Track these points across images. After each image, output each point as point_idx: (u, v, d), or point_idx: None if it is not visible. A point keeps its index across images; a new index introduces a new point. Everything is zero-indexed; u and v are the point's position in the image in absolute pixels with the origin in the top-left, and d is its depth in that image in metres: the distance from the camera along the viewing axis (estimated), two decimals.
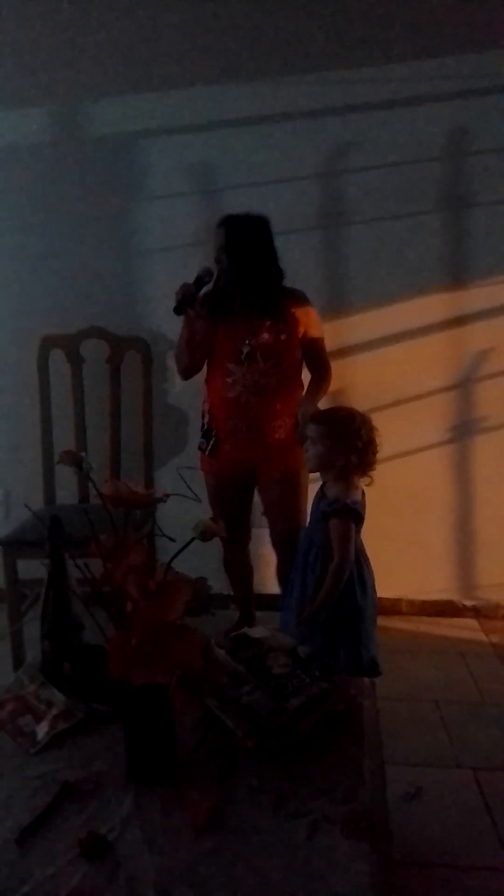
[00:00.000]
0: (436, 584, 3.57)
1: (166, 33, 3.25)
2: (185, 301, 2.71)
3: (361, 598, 2.46)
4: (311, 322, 2.91)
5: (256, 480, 3.02)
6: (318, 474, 2.62)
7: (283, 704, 1.65)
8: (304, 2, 3.18)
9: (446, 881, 1.99)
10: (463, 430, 3.43)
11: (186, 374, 2.99)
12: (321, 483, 2.58)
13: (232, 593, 3.34)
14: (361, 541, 2.51)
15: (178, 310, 2.73)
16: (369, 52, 3.19)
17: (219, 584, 3.36)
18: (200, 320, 2.82)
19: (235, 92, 3.27)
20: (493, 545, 3.50)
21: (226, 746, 1.62)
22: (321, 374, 2.92)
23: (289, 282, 2.88)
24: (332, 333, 3.03)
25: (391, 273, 3.33)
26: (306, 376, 2.95)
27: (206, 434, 2.99)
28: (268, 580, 3.35)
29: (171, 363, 3.36)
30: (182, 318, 2.79)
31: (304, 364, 2.95)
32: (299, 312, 2.86)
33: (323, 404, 2.77)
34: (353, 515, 2.42)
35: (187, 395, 3.44)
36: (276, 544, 3.05)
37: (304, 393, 2.87)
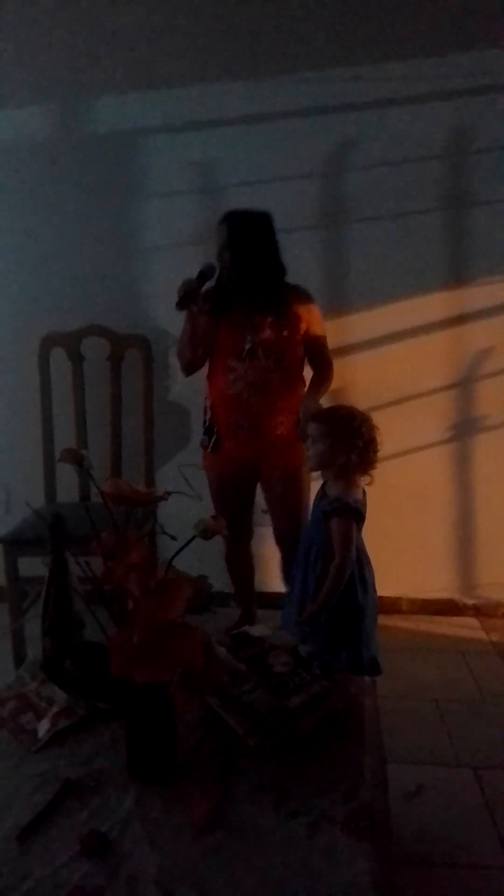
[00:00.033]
0: (436, 582, 3.57)
1: (166, 31, 3.24)
2: (188, 297, 2.72)
3: (362, 596, 2.46)
4: (314, 319, 2.91)
5: (259, 477, 3.02)
6: (318, 473, 2.61)
7: (284, 703, 1.66)
8: (305, 0, 3.18)
9: (446, 880, 1.99)
10: (463, 429, 3.43)
11: (189, 370, 2.99)
12: (322, 482, 2.58)
13: (233, 591, 3.34)
14: (362, 539, 2.50)
15: (180, 305, 2.73)
16: (370, 51, 3.18)
17: (220, 582, 3.37)
18: (203, 316, 2.82)
19: (236, 90, 3.27)
20: (493, 544, 3.50)
21: (227, 745, 1.62)
22: (323, 372, 2.92)
23: (289, 280, 2.88)
24: (332, 332, 3.03)
25: (391, 272, 3.33)
26: (308, 374, 2.95)
27: (207, 431, 2.99)
28: (269, 578, 3.36)
29: (173, 360, 3.37)
30: (184, 314, 2.80)
31: (306, 361, 2.95)
32: (301, 309, 2.86)
33: (324, 402, 2.77)
34: (355, 514, 2.42)
35: (188, 392, 3.44)
36: (280, 541, 3.05)
37: (305, 390, 2.86)
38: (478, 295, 3.32)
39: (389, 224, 3.30)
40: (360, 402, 2.79)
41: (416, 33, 3.15)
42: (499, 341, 3.34)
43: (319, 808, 1.43)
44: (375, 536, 2.59)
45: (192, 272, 2.73)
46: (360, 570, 2.47)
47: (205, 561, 2.18)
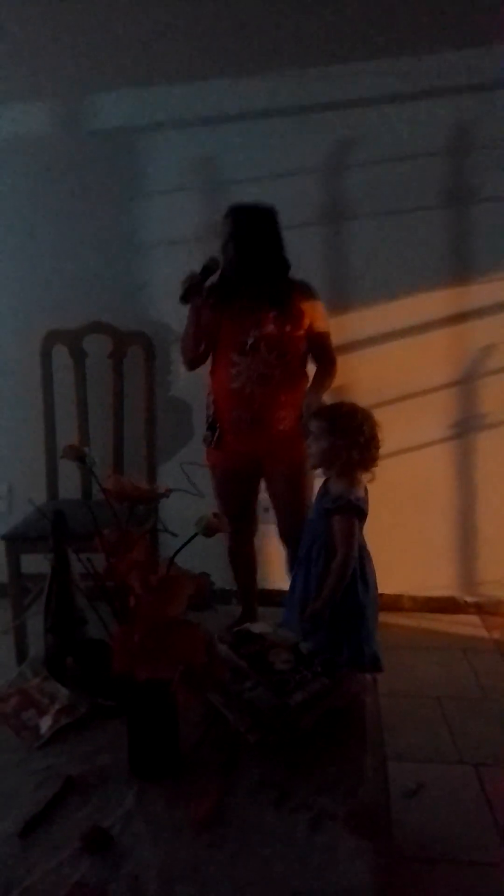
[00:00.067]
0: (438, 580, 3.57)
1: (168, 28, 3.24)
2: (191, 290, 2.72)
3: (363, 594, 2.46)
4: (317, 315, 2.91)
5: (262, 472, 3.02)
6: (320, 469, 2.61)
7: (286, 700, 1.66)
8: None
9: (447, 877, 1.99)
10: (465, 427, 3.43)
11: (192, 364, 2.99)
12: (324, 478, 2.58)
13: (235, 588, 3.34)
14: (363, 536, 2.50)
15: (183, 299, 2.73)
16: (370, 47, 3.17)
17: (221, 579, 3.37)
18: (206, 310, 2.82)
19: (237, 87, 3.27)
20: (495, 541, 3.50)
21: (228, 742, 1.62)
22: (326, 368, 2.92)
23: (292, 276, 2.88)
24: (334, 329, 3.03)
25: (393, 269, 3.33)
26: (312, 370, 2.95)
27: (210, 426, 2.99)
28: (271, 575, 3.36)
29: (175, 357, 3.37)
30: (188, 308, 2.80)
31: (309, 357, 2.95)
32: (305, 304, 2.86)
33: (326, 399, 2.77)
34: (357, 512, 2.42)
35: (190, 389, 3.44)
36: (284, 537, 3.04)
37: (308, 386, 2.86)
38: (479, 292, 3.31)
39: (391, 221, 3.29)
40: (361, 399, 2.78)
41: (418, 30, 3.14)
42: (500, 339, 3.34)
43: (320, 805, 1.43)
44: (377, 534, 2.59)
45: (194, 269, 2.73)
46: (361, 567, 2.47)
47: (207, 558, 2.17)
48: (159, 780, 1.50)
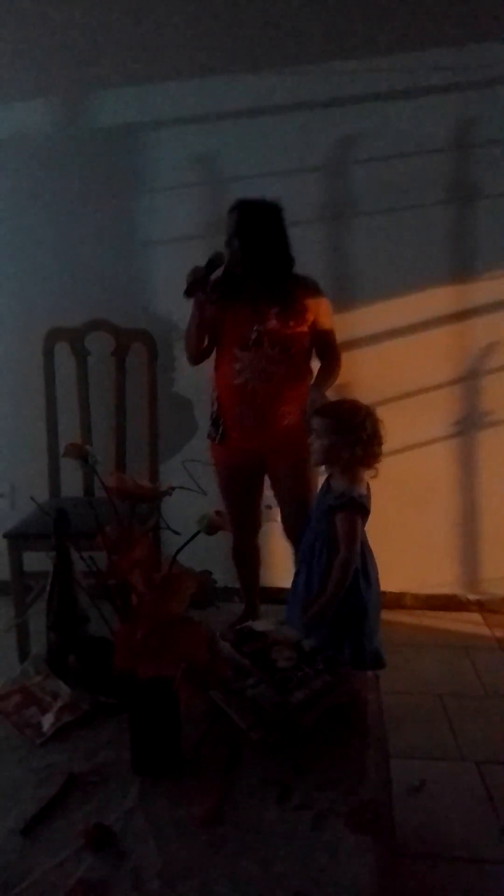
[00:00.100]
0: (440, 578, 3.57)
1: (169, 24, 3.23)
2: (196, 284, 2.72)
3: (366, 591, 2.47)
4: (322, 311, 2.90)
5: (266, 468, 3.02)
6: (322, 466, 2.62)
7: (288, 697, 1.66)
8: None
9: (450, 873, 2.00)
10: (468, 424, 3.43)
11: (195, 359, 2.99)
12: (326, 475, 2.58)
13: (237, 585, 3.34)
14: (365, 534, 2.51)
15: (188, 292, 2.73)
16: (374, 44, 3.17)
17: (224, 577, 3.38)
18: (210, 304, 2.82)
19: (239, 83, 3.26)
20: (497, 539, 3.50)
21: (230, 739, 1.62)
22: (330, 364, 2.92)
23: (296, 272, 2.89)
24: (337, 327, 3.03)
25: (395, 266, 3.32)
26: (316, 366, 2.95)
27: (214, 423, 2.99)
28: (273, 573, 3.36)
29: (177, 355, 3.38)
30: (191, 303, 2.81)
31: (313, 353, 2.95)
32: (309, 300, 2.86)
33: (329, 396, 2.76)
34: (360, 509, 2.42)
35: (192, 387, 3.45)
36: (289, 533, 3.04)
37: (312, 381, 2.86)
38: (483, 289, 3.31)
39: (393, 218, 3.29)
40: (363, 396, 2.78)
41: (420, 26, 3.14)
42: (503, 336, 3.34)
43: (323, 802, 1.43)
44: (379, 531, 2.60)
45: (199, 263, 2.73)
46: (363, 564, 2.47)
47: (209, 556, 2.17)
48: (161, 778, 1.51)
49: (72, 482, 3.34)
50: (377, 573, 2.54)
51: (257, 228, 2.79)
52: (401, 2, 3.13)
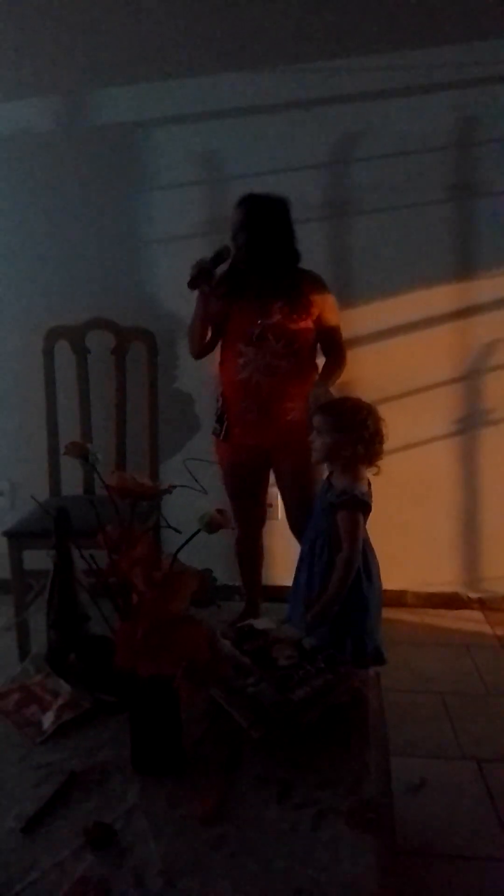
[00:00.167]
0: (441, 576, 3.56)
1: (171, 22, 3.23)
2: (200, 276, 2.72)
3: (367, 588, 2.47)
4: (327, 306, 2.90)
5: (270, 464, 3.02)
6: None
7: (288, 696, 1.66)
8: None
9: (450, 872, 1.99)
10: (469, 422, 3.42)
11: (199, 353, 2.99)
12: (328, 473, 2.58)
13: (238, 583, 3.34)
14: (367, 531, 2.51)
15: (192, 284, 2.73)
16: (375, 41, 3.17)
17: (224, 575, 3.38)
18: (215, 298, 2.82)
19: (241, 81, 3.26)
20: (498, 537, 3.50)
21: (231, 737, 1.62)
22: (335, 360, 2.92)
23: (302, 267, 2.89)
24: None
25: (397, 264, 3.32)
26: (322, 362, 2.95)
27: (219, 419, 2.99)
28: (274, 571, 3.36)
29: (180, 352, 3.37)
30: (196, 295, 2.81)
31: (318, 349, 2.95)
32: (314, 295, 2.85)
33: (333, 392, 2.76)
34: (361, 507, 2.42)
35: (193, 385, 3.45)
36: (294, 529, 3.03)
37: (316, 376, 2.86)
38: (484, 288, 3.30)
39: (394, 216, 3.28)
40: (365, 394, 2.78)
41: (422, 23, 3.13)
42: None
43: (323, 800, 1.43)
44: (380, 529, 2.60)
45: (205, 255, 2.74)
46: (365, 561, 2.47)
47: (209, 554, 2.18)
48: (162, 776, 1.51)
49: (72, 481, 3.34)
50: (379, 570, 2.54)
51: (264, 223, 2.79)
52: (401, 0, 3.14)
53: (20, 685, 1.85)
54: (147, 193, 3.38)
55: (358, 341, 3.29)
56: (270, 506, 3.24)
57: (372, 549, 2.53)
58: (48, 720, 1.70)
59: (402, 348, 3.35)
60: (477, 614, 3.52)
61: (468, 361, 3.37)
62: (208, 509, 1.57)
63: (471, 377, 3.38)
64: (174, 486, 1.79)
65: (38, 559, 2.53)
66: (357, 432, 2.40)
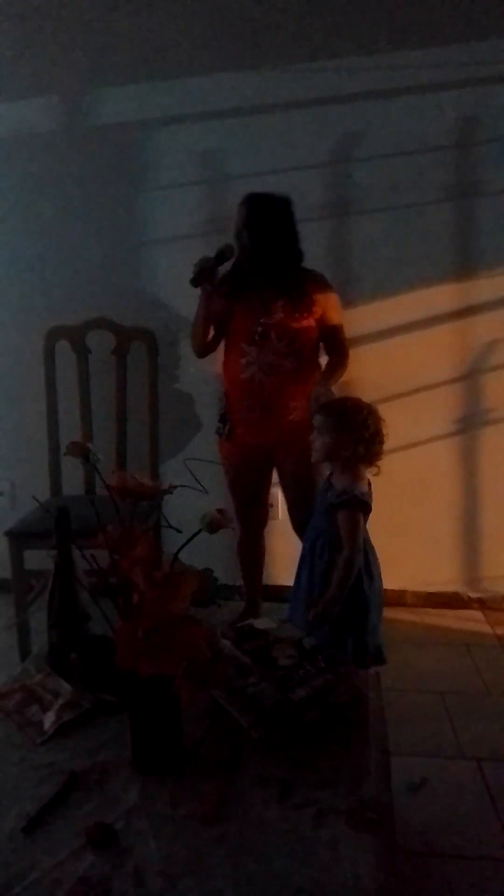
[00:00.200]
0: (441, 575, 3.56)
1: (172, 22, 3.23)
2: (203, 274, 2.72)
3: (368, 587, 2.47)
4: (330, 305, 2.90)
5: (273, 463, 3.02)
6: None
7: (289, 695, 1.66)
8: None
9: (450, 871, 2.00)
10: (469, 422, 3.42)
11: (202, 352, 2.99)
12: (328, 473, 2.58)
13: (238, 583, 3.34)
14: (367, 531, 2.51)
15: (195, 282, 2.73)
16: (375, 41, 3.17)
17: (225, 575, 3.38)
18: (218, 297, 2.82)
19: (241, 81, 3.26)
20: (498, 537, 3.50)
21: (231, 737, 1.62)
22: (338, 359, 2.92)
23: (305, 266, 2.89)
24: None
25: (398, 264, 3.32)
26: (324, 362, 2.95)
27: (222, 418, 2.99)
28: (274, 571, 3.36)
29: (181, 352, 3.37)
30: (198, 297, 2.81)
31: (322, 349, 2.95)
32: (317, 294, 2.85)
33: (334, 392, 2.76)
34: (362, 506, 2.42)
35: (194, 385, 3.45)
36: (297, 528, 3.02)
37: (318, 375, 2.86)
38: (484, 287, 3.30)
39: (394, 216, 3.29)
40: (365, 394, 2.78)
41: (422, 23, 3.13)
42: None
43: (324, 800, 1.43)
44: (381, 529, 2.60)
45: (208, 254, 2.74)
46: (366, 560, 2.48)
47: (210, 554, 2.18)
48: (162, 776, 1.51)
49: (73, 480, 3.34)
50: (379, 570, 2.55)
51: (267, 222, 2.79)
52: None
53: (21, 685, 1.85)
54: (148, 193, 3.38)
55: (358, 341, 3.29)
56: (271, 505, 3.24)
57: (373, 549, 2.54)
58: (49, 720, 1.70)
59: (402, 348, 3.35)
60: (477, 614, 3.52)
61: (468, 361, 3.37)
62: (209, 509, 1.58)
63: (471, 377, 3.38)
64: (175, 486, 1.79)
65: (39, 559, 2.53)
66: (357, 432, 2.40)
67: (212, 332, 2.93)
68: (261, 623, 2.04)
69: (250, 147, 3.29)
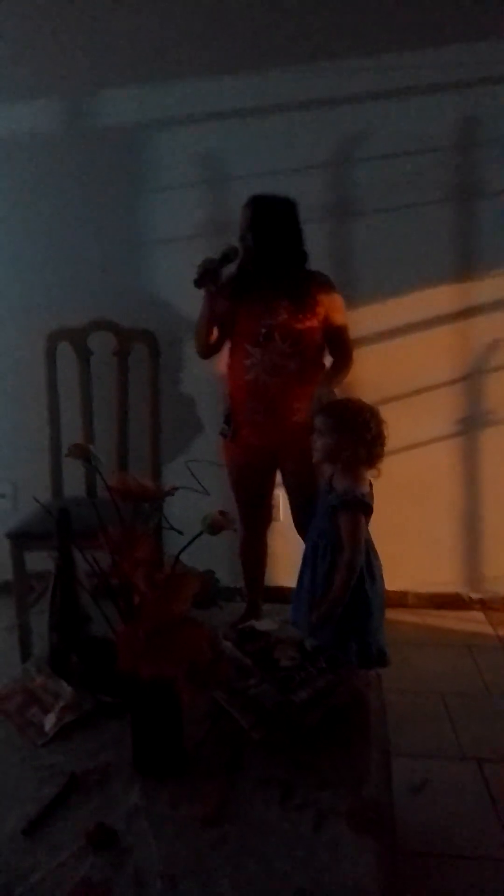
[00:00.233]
0: (442, 576, 3.56)
1: (172, 23, 3.24)
2: (206, 275, 2.72)
3: (370, 588, 2.47)
4: (334, 306, 2.90)
5: (278, 465, 3.02)
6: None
7: (290, 697, 1.66)
8: None
9: (451, 872, 2.00)
10: (470, 423, 3.42)
11: (205, 353, 2.99)
12: (329, 475, 2.58)
13: (239, 585, 3.34)
14: (368, 532, 2.51)
15: (198, 283, 2.73)
16: (376, 42, 3.17)
17: (226, 577, 3.37)
18: (222, 298, 2.83)
19: (242, 82, 3.26)
20: (499, 538, 3.50)
21: (232, 739, 1.62)
22: (342, 360, 2.93)
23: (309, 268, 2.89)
24: None
25: (399, 265, 3.32)
26: (329, 363, 2.96)
27: (227, 420, 2.99)
28: (276, 572, 3.36)
29: (183, 353, 3.37)
30: (202, 298, 2.81)
31: (326, 350, 2.95)
32: (321, 295, 2.86)
33: (337, 393, 2.76)
34: (363, 508, 2.42)
35: (196, 386, 3.45)
36: (300, 530, 3.01)
37: (322, 376, 2.86)
38: (485, 288, 3.30)
39: (395, 217, 3.29)
40: (366, 395, 2.79)
41: (423, 24, 3.14)
42: None
43: (325, 801, 1.43)
44: (382, 530, 2.59)
45: (212, 255, 2.74)
46: (368, 562, 2.47)
47: (211, 556, 2.18)
48: (163, 778, 1.51)
49: (74, 482, 3.33)
50: (381, 571, 2.55)
51: (271, 224, 2.80)
52: (403, 1, 3.13)
53: (22, 687, 1.85)
54: (149, 195, 3.39)
55: (359, 342, 3.28)
56: (273, 506, 3.24)
57: (375, 551, 2.54)
58: (50, 722, 1.70)
59: (403, 349, 3.35)
60: (478, 615, 3.52)
61: (469, 362, 3.37)
62: (210, 511, 1.58)
63: (472, 378, 3.38)
64: (176, 488, 1.79)
65: (40, 560, 2.53)
66: (358, 434, 2.40)
67: (216, 334, 2.93)
68: (262, 624, 2.05)
69: (251, 148, 3.29)
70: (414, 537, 3.48)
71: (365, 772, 1.54)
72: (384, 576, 2.55)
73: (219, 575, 2.99)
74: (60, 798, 1.45)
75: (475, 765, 2.43)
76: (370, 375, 3.25)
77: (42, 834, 1.37)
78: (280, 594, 3.22)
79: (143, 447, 3.38)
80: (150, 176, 3.37)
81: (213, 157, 3.35)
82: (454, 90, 3.18)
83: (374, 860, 1.29)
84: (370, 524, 2.49)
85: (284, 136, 3.27)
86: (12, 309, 3.55)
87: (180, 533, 1.67)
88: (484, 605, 3.56)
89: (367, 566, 2.47)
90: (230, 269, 2.81)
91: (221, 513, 1.58)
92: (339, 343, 2.95)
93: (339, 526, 2.42)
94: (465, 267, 3.31)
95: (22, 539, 3.00)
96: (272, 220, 2.80)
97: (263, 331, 2.79)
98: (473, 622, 3.46)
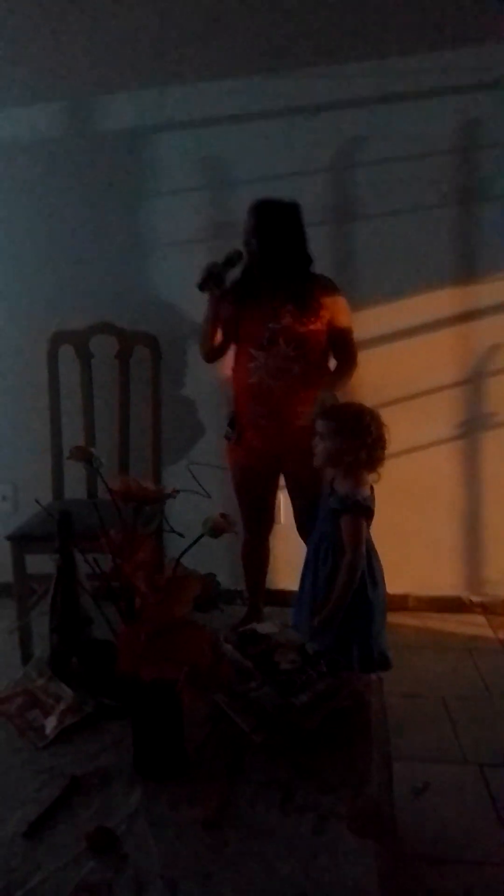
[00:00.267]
0: (443, 579, 3.56)
1: (174, 28, 3.24)
2: (210, 279, 2.72)
3: (372, 592, 2.47)
4: (339, 310, 2.91)
5: (282, 468, 3.02)
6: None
7: (291, 700, 1.66)
8: None
9: (452, 876, 1.99)
10: (472, 426, 3.42)
11: (209, 356, 3.00)
12: (330, 478, 2.58)
13: (242, 587, 3.34)
14: (370, 535, 2.51)
15: (201, 287, 2.73)
16: (377, 46, 3.18)
17: (228, 579, 3.37)
18: (226, 302, 2.83)
19: (244, 86, 3.27)
20: (500, 541, 3.49)
21: (233, 742, 1.62)
22: (346, 363, 2.94)
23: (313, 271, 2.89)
24: None
25: (400, 268, 3.32)
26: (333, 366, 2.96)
27: (231, 423, 3.00)
28: (277, 575, 3.36)
29: (181, 357, 3.37)
30: (206, 299, 2.82)
31: (331, 354, 2.95)
32: (326, 299, 2.86)
33: (341, 396, 2.76)
34: (364, 511, 2.42)
35: (197, 389, 3.45)
36: (303, 533, 3.01)
37: (326, 379, 2.86)
38: (486, 291, 3.30)
39: (397, 220, 3.29)
40: (367, 398, 2.79)
41: (424, 27, 3.14)
42: None
43: (325, 805, 1.43)
44: (383, 533, 2.59)
45: (216, 259, 2.74)
46: (369, 565, 2.48)
47: (213, 559, 2.18)
48: (164, 781, 1.51)
49: (75, 484, 3.33)
50: (383, 574, 2.55)
51: (276, 229, 2.81)
52: (404, 4, 3.13)
53: (23, 689, 1.85)
54: (151, 199, 3.40)
55: (360, 345, 3.28)
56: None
57: (376, 554, 2.54)
58: (50, 724, 1.70)
59: (405, 352, 3.35)
60: (479, 618, 3.52)
61: (471, 365, 3.37)
62: (212, 513, 1.58)
63: (473, 381, 3.38)
64: (178, 491, 1.79)
65: (41, 563, 2.53)
66: (360, 438, 2.40)
67: (220, 337, 2.94)
68: (263, 627, 2.04)
69: (253, 152, 3.30)
70: (415, 540, 3.48)
71: (366, 775, 1.53)
72: (385, 579, 2.55)
73: (220, 578, 2.99)
74: (61, 800, 1.45)
75: (476, 769, 2.42)
76: (371, 378, 3.25)
77: (42, 836, 1.36)
78: (281, 597, 3.22)
79: (145, 449, 3.38)
80: (152, 179, 3.38)
81: (215, 159, 3.35)
82: (455, 93, 3.19)
83: (375, 863, 1.29)
84: (371, 527, 2.49)
85: (286, 140, 3.27)
86: (14, 311, 3.55)
87: (181, 535, 1.67)
88: (485, 608, 3.55)
89: (369, 570, 2.47)
90: (234, 273, 2.81)
91: (223, 515, 1.58)
92: (344, 346, 2.95)
93: (340, 529, 2.42)
94: (467, 270, 3.32)
95: (23, 541, 3.00)
96: (277, 224, 2.80)
97: (267, 334, 2.80)
98: (474, 625, 3.45)
